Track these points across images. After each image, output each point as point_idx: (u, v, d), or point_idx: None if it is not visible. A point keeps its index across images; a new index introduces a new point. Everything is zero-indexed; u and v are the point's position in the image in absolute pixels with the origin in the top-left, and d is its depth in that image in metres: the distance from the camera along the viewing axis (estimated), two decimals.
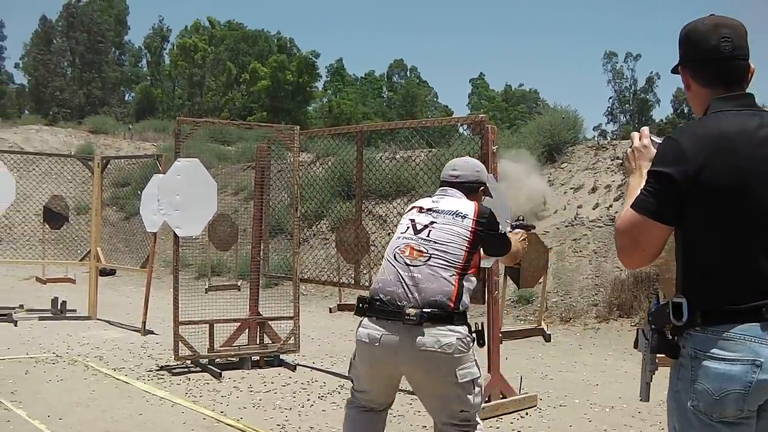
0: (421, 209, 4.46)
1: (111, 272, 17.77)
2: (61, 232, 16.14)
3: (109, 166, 13.33)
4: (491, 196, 4.92)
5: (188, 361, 8.81)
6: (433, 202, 4.49)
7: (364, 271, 9.71)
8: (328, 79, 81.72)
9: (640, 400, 2.92)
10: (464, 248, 4.22)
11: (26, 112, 60.04)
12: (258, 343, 9.33)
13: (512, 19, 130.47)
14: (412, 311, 4.00)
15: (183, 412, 7.05)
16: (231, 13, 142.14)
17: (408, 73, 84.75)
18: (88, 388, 7.84)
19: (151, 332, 11.12)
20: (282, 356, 9.18)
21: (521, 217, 5.69)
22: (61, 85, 68.01)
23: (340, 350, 9.98)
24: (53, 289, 13.53)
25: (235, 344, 9.19)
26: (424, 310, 4.01)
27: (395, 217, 15.21)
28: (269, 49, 74.59)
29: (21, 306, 12.93)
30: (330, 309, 12.30)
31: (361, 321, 4.24)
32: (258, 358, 9.09)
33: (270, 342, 9.29)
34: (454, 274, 4.14)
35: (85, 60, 70.39)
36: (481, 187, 4.69)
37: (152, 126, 36.46)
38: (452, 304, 4.09)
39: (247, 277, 10.08)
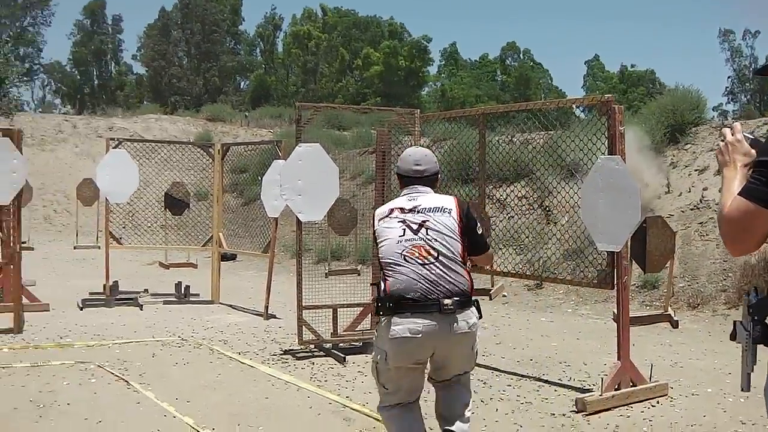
0: (402, 210, 4.70)
1: (232, 257, 18.03)
2: (182, 218, 16.32)
3: (228, 152, 13.45)
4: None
5: (312, 346, 8.85)
6: (410, 200, 4.74)
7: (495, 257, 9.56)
8: (442, 63, 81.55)
9: (741, 390, 2.93)
10: (458, 240, 4.62)
11: (145, 102, 61.34)
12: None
13: None
14: (447, 301, 4.44)
15: (309, 396, 7.07)
16: (342, 0, 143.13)
17: (521, 55, 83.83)
18: (213, 372, 7.94)
19: (273, 316, 11.23)
20: None
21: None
22: (178, 74, 69.32)
23: None
24: (176, 274, 13.74)
25: (357, 329, 9.18)
26: (455, 299, 4.46)
27: (513, 200, 15.03)
28: (381, 35, 74.77)
29: (146, 290, 13.23)
30: None
31: (391, 320, 4.48)
32: None
33: None
34: (461, 266, 4.60)
35: (201, 50, 71.64)
36: (437, 175, 4.95)
37: (268, 113, 36.89)
38: (470, 291, 4.59)
39: (367, 262, 10.04)
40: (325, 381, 7.64)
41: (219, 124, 33.42)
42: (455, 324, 4.47)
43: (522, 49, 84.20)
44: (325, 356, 8.68)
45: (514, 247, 13.91)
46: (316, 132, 24.21)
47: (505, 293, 12.09)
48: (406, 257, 4.52)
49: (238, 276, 16.36)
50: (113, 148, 12.37)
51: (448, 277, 4.49)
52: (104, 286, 12.36)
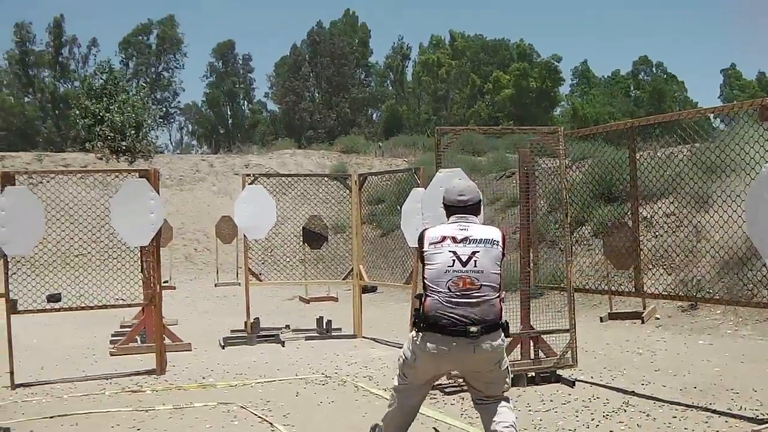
0: (454, 239, 5.24)
1: (372, 289, 17.78)
2: (320, 251, 16.22)
3: (365, 183, 13.17)
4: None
5: (461, 380, 8.42)
6: (461, 230, 5.29)
7: (645, 278, 8.99)
8: (574, 82, 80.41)
9: None
10: (499, 272, 5.22)
11: (279, 138, 62.27)
12: (532, 358, 8.80)
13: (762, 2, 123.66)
14: (474, 329, 5.05)
15: None
16: (468, 25, 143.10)
17: (654, 69, 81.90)
18: (359, 410, 7.60)
19: None
20: (559, 371, 8.62)
21: None
22: (310, 109, 70.18)
23: (619, 362, 9.35)
24: (317, 309, 13.58)
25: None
26: (481, 326, 5.07)
27: (660, 218, 14.32)
28: (510, 57, 74.26)
29: (287, 326, 13.03)
30: (601, 318, 11.59)
31: (423, 335, 5.19)
32: (533, 374, 8.57)
33: (544, 356, 8.74)
34: (497, 296, 5.18)
35: (332, 83, 72.44)
36: (481, 204, 5.65)
37: (402, 142, 36.73)
38: (497, 319, 5.18)
39: (511, 289, 9.57)
40: (476, 417, 7.19)
41: (353, 155, 33.43)
42: (479, 346, 5.10)
43: (654, 62, 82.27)
44: None
45: (665, 267, 13.24)
46: (452, 157, 23.89)
47: (658, 315, 11.45)
48: (450, 287, 5.12)
49: (379, 308, 16.09)
50: (249, 183, 12.20)
51: (480, 308, 5.10)
52: (245, 323, 12.20)
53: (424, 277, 5.27)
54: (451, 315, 5.08)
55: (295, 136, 60.36)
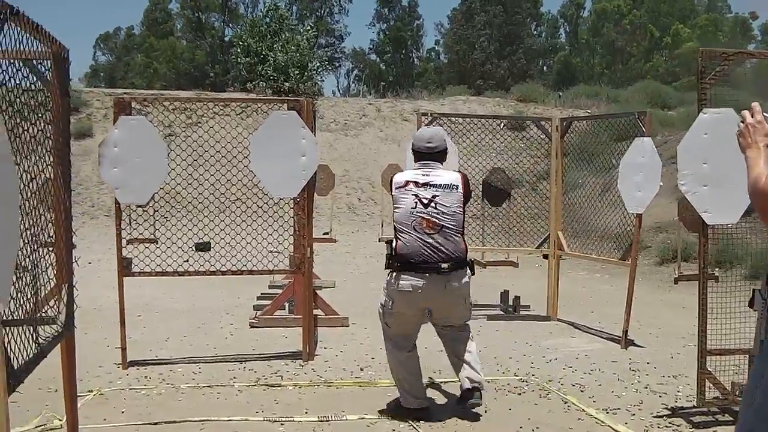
0: (417, 183, 5.72)
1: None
2: (501, 210, 14.09)
3: (569, 129, 10.61)
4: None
5: (715, 408, 6.04)
6: (424, 175, 5.76)
7: None
8: (762, 38, 74.95)
9: (751, 354, 3.34)
10: (461, 213, 5.74)
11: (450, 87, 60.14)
12: None
13: None
14: (444, 265, 5.57)
15: None
16: None
17: None
18: None
19: (633, 343, 8.51)
20: None
21: None
22: (481, 59, 67.97)
23: None
24: (494, 275, 11.36)
25: None
26: (450, 263, 5.59)
27: None
28: (692, 10, 69.67)
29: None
30: None
31: (399, 276, 5.60)
32: None
33: None
34: (460, 235, 5.73)
35: (504, 33, 69.85)
36: (446, 151, 6.03)
37: (583, 92, 33.64)
38: (464, 256, 5.72)
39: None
40: None
41: (531, 104, 30.84)
42: (449, 282, 5.62)
43: None
44: (733, 423, 5.83)
45: None
46: (720, 96, 21.36)
47: None
48: (415, 227, 5.62)
49: (565, 278, 13.69)
50: (426, 125, 9.89)
51: (446, 246, 5.62)
52: None
53: (393, 220, 5.76)
54: (420, 253, 5.56)
55: (466, 85, 58.03)
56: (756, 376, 2.90)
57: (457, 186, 5.70)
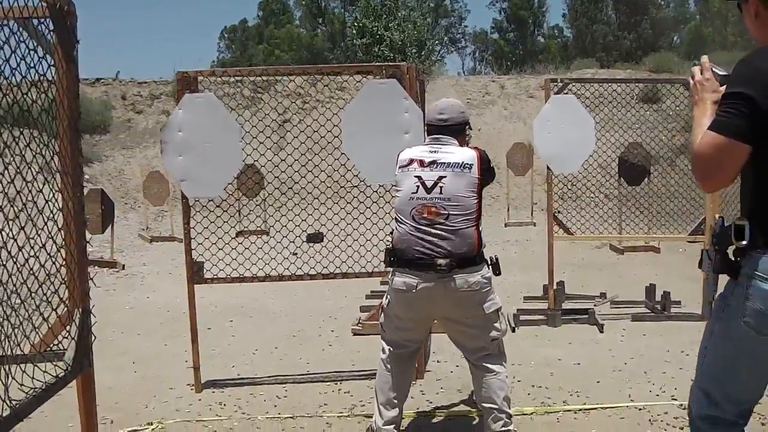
0: (422, 162, 4.68)
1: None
2: (639, 189, 12.77)
3: None
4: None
5: None
6: (432, 152, 4.71)
7: None
8: None
9: (701, 315, 3.32)
10: (474, 199, 4.60)
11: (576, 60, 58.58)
12: None
13: None
14: (442, 262, 4.47)
15: None
16: None
17: None
18: None
19: None
20: None
21: None
22: (605, 31, 66.09)
23: None
24: (633, 262, 9.91)
25: None
26: (451, 260, 4.47)
27: None
28: None
29: (602, 295, 9.39)
30: None
31: (394, 271, 4.68)
32: None
33: None
34: (472, 226, 4.56)
35: (629, 3, 67.74)
36: (467, 126, 4.97)
37: (722, 60, 31.68)
38: (473, 252, 4.54)
39: None
40: None
41: (666, 75, 29.13)
42: (452, 283, 4.50)
43: None
44: None
45: None
46: None
47: None
48: (414, 216, 4.59)
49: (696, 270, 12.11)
50: (555, 93, 8.45)
51: (449, 239, 4.52)
52: (544, 287, 8.77)
53: (393, 206, 4.90)
54: (416, 248, 4.59)
55: (589, 58, 56.23)
56: (706, 337, 3.00)
57: (471, 166, 4.63)
